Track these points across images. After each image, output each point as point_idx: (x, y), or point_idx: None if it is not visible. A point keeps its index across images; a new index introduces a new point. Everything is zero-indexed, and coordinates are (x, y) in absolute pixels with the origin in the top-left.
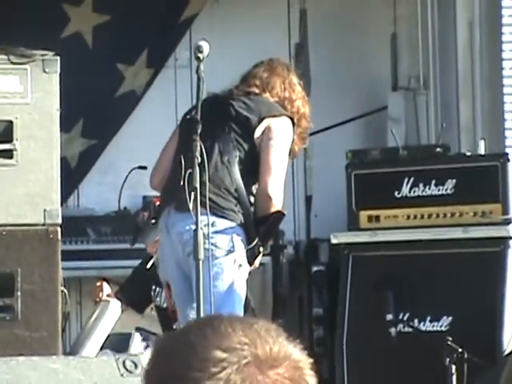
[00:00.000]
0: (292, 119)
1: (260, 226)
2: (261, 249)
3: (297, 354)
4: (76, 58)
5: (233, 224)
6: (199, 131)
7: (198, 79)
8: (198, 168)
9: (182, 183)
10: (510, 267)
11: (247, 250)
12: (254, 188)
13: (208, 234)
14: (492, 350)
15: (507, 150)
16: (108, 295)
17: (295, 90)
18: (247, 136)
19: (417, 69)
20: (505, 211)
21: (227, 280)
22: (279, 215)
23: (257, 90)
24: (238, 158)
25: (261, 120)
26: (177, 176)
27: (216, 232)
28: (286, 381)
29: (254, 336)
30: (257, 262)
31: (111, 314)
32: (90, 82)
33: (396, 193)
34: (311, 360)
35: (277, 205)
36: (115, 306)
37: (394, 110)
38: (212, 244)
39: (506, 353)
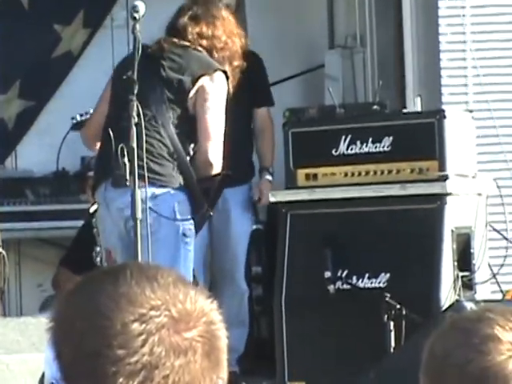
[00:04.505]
0: (226, 73)
1: (205, 188)
2: (211, 213)
3: (208, 306)
4: (12, 20)
5: (173, 191)
6: (135, 91)
7: (135, 39)
8: (134, 128)
9: (115, 157)
10: (447, 223)
11: (198, 215)
12: (190, 148)
13: (146, 208)
14: (430, 306)
15: (443, 107)
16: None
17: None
18: (181, 99)
19: (353, 27)
20: (441, 168)
21: (170, 251)
22: (225, 178)
23: (186, 43)
24: (171, 120)
25: (194, 81)
26: (109, 148)
27: (157, 204)
28: (201, 339)
29: (163, 295)
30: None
31: None
32: (26, 43)
33: (333, 151)
34: (218, 309)
35: (217, 169)
36: None
37: (330, 68)
38: (154, 217)
39: (443, 308)
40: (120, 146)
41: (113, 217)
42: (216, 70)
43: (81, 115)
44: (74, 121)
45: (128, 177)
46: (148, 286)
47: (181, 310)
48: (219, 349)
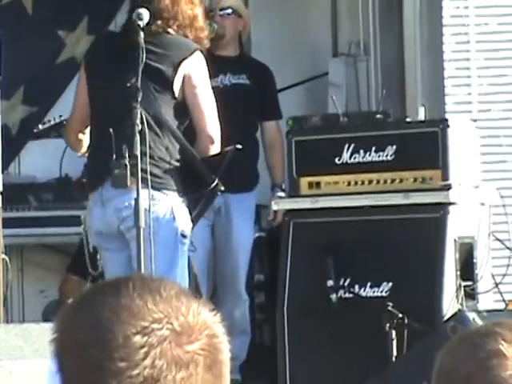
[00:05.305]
0: (201, 51)
1: (214, 165)
2: (222, 188)
3: (210, 319)
4: (16, 25)
5: (171, 193)
6: (139, 99)
7: (138, 46)
8: (138, 136)
9: (115, 157)
10: (450, 233)
11: (209, 191)
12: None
13: (149, 209)
14: (432, 316)
15: (447, 116)
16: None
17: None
18: (166, 88)
19: (357, 35)
20: (444, 177)
21: (169, 252)
22: (231, 151)
23: (157, 28)
24: (161, 108)
25: (176, 67)
26: (107, 149)
27: (155, 205)
28: (203, 352)
29: (165, 307)
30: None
31: None
32: (30, 49)
33: (336, 159)
34: (220, 321)
35: (217, 142)
36: None
37: (334, 76)
38: (153, 219)
39: (446, 318)
40: (122, 148)
41: (107, 216)
42: (193, 52)
43: (43, 123)
44: (35, 130)
45: (129, 177)
46: (150, 299)
47: (183, 322)
48: (221, 362)
